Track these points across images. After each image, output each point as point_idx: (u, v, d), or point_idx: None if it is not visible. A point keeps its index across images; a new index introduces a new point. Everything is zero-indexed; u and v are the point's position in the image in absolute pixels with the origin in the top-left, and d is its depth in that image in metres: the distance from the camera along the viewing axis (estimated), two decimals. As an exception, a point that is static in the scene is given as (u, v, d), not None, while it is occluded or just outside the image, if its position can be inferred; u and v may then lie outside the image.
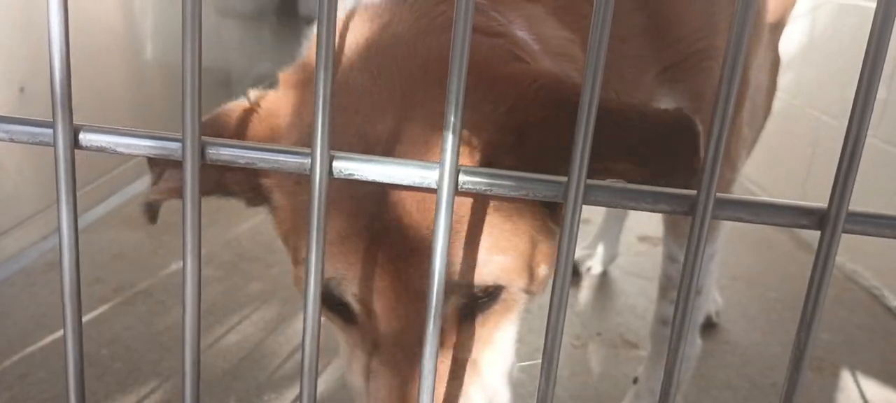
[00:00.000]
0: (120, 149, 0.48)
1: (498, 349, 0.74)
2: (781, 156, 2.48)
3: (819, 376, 1.58)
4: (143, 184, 2.39)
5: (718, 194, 0.46)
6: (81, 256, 1.79)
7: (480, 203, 0.66)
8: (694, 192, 0.47)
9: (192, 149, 0.47)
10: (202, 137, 0.47)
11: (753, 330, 1.76)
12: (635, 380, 1.36)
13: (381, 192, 0.65)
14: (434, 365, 0.51)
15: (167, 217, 2.44)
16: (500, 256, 0.68)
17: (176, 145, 0.48)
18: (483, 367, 0.73)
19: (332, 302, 0.72)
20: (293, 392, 1.41)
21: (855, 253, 2.12)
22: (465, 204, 0.65)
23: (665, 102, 0.97)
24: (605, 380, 1.51)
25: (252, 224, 2.20)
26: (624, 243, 2.06)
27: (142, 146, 0.48)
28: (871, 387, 1.55)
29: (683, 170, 0.58)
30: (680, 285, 0.48)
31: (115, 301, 1.73)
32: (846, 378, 1.58)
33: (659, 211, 0.47)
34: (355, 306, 0.70)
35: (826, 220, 0.46)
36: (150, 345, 1.55)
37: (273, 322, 1.67)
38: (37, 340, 1.53)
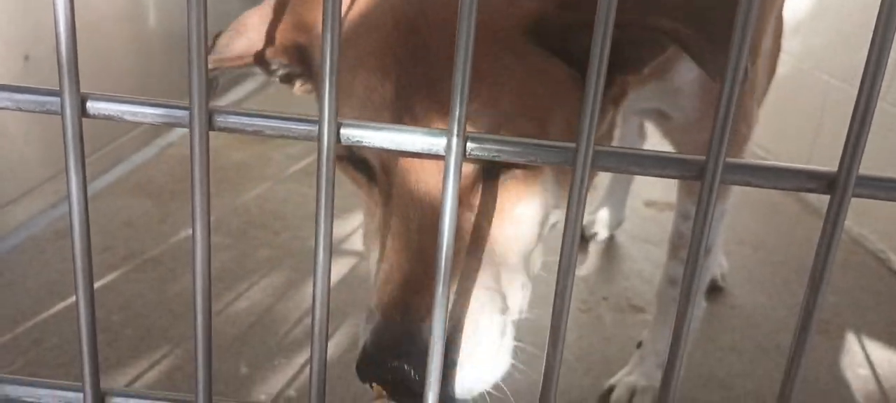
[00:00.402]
0: (127, 117, 0.48)
1: (519, 225, 0.72)
2: (789, 119, 2.47)
3: (825, 338, 1.59)
4: (150, 151, 2.39)
5: (728, 159, 0.46)
6: (91, 224, 1.80)
7: (508, 58, 0.65)
8: (703, 157, 0.47)
9: (199, 118, 0.47)
10: (210, 104, 0.47)
11: (759, 294, 1.77)
12: (639, 345, 1.37)
13: (406, 46, 0.66)
14: (446, 311, 0.51)
15: (174, 185, 2.45)
16: (526, 113, 0.67)
17: (183, 113, 0.48)
18: (501, 243, 0.71)
19: (354, 160, 0.72)
20: (303, 356, 1.43)
21: (861, 217, 2.11)
22: (491, 56, 0.65)
23: None
24: (612, 344, 1.52)
25: (260, 191, 2.20)
26: (630, 208, 2.06)
27: (149, 114, 0.48)
28: (876, 349, 1.55)
29: (720, 41, 0.56)
30: (689, 249, 0.48)
31: (124, 268, 1.74)
32: (851, 340, 1.58)
33: (667, 177, 0.47)
34: (376, 163, 0.70)
35: (835, 185, 0.46)
36: (160, 312, 1.56)
37: (282, 287, 1.69)
38: (49, 307, 1.55)
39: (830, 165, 0.46)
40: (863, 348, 1.56)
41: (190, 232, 1.60)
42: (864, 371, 1.47)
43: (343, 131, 0.48)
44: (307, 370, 1.42)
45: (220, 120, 0.48)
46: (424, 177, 0.67)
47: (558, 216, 0.79)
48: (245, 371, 1.39)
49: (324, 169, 0.47)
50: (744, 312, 1.67)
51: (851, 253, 2.03)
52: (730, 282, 1.79)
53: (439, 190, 0.66)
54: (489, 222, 0.70)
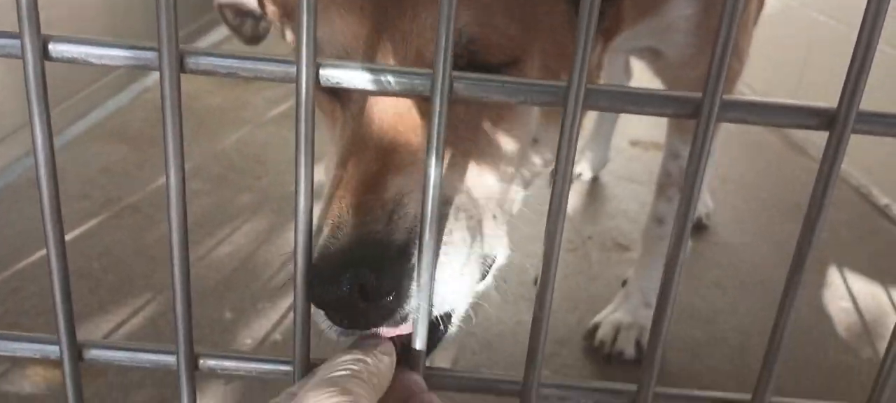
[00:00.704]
0: (92, 60, 0.45)
1: (506, 144, 0.68)
2: (775, 56, 2.44)
3: (807, 273, 1.61)
4: (126, 96, 2.33)
5: (724, 96, 0.44)
6: (67, 171, 1.77)
7: None
8: (699, 95, 0.45)
9: (169, 59, 0.44)
10: (180, 46, 0.45)
11: (743, 232, 1.78)
12: (624, 283, 1.38)
13: None
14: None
15: (151, 130, 2.41)
16: (517, 25, 0.65)
17: (152, 55, 0.45)
18: (485, 161, 0.67)
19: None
20: (287, 301, 1.42)
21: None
22: None
23: None
24: (597, 282, 1.53)
25: (239, 136, 2.17)
26: (615, 148, 2.05)
27: (116, 56, 0.45)
28: (858, 283, 1.57)
29: None
30: (684, 188, 0.46)
31: (103, 215, 1.71)
32: (834, 274, 1.60)
33: (662, 115, 0.46)
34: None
35: (835, 121, 0.44)
36: (140, 258, 1.54)
37: (264, 232, 1.67)
38: (27, 256, 1.52)
39: (816, 102, 0.45)
40: (845, 282, 1.58)
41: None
42: (846, 303, 1.49)
43: (322, 72, 0.45)
44: (291, 313, 1.42)
45: (191, 61, 0.45)
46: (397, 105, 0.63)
47: (540, 157, 0.77)
48: (229, 316, 1.38)
49: (303, 112, 0.45)
50: (728, 249, 1.68)
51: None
52: (714, 220, 1.79)
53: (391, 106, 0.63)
54: (475, 137, 0.66)
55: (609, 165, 2.02)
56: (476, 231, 0.65)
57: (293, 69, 0.45)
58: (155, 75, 2.62)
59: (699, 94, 0.45)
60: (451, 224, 0.63)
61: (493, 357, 1.29)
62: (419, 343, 0.52)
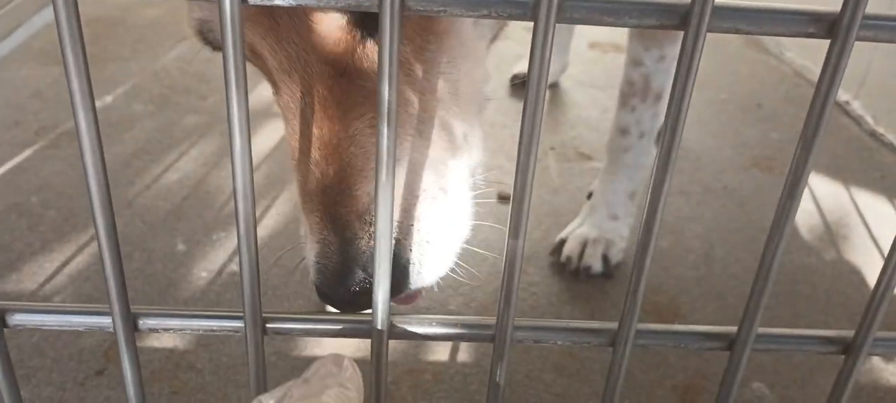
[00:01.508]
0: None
1: (447, 74, 0.63)
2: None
3: (769, 175, 1.60)
4: (51, 13, 2.17)
5: (716, 2, 0.39)
6: (-9, 99, 1.57)
7: None
8: (686, 1, 0.39)
9: (61, -23, 0.36)
10: (73, -40, 0.37)
11: (705, 135, 1.75)
12: (589, 195, 1.35)
13: None
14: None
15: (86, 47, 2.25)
16: None
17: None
18: (432, 101, 0.63)
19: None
20: (242, 229, 1.36)
21: (804, 49, 2.09)
22: None
23: None
24: (561, 194, 1.50)
25: (179, 52, 2.04)
26: (573, 50, 1.98)
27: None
28: (820, 183, 1.57)
29: None
30: (668, 109, 0.41)
31: (38, 144, 1.60)
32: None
33: (646, 26, 0.40)
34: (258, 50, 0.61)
35: (837, 27, 0.39)
36: (83, 190, 1.44)
37: (214, 156, 1.59)
38: (-44, 193, 1.42)
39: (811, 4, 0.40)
40: (807, 182, 1.57)
41: (108, 99, 1.44)
42: (808, 204, 1.49)
43: (250, -13, 0.38)
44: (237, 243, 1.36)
45: (89, -21, 0.37)
46: (305, 35, 0.56)
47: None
48: (182, 247, 1.32)
49: (228, 38, 0.38)
50: (691, 155, 1.66)
51: (794, 85, 2.02)
52: (676, 124, 1.76)
53: (329, 50, 0.56)
54: (410, 79, 0.61)
55: (568, 70, 1.96)
56: (454, 185, 0.64)
57: (214, -15, 0.38)
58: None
59: (686, 1, 0.39)
60: (426, 186, 0.61)
61: (458, 278, 1.26)
62: (382, 297, 0.47)
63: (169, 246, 1.32)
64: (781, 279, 1.28)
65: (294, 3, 0.39)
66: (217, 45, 0.71)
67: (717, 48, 2.21)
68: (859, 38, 0.40)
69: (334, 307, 0.61)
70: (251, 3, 0.39)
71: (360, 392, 0.44)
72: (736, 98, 1.94)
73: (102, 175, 0.42)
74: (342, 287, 0.58)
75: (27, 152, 1.57)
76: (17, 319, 0.50)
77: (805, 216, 1.45)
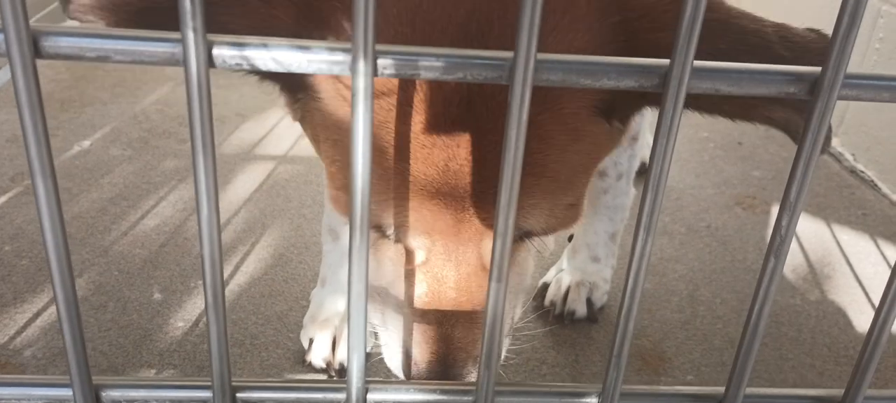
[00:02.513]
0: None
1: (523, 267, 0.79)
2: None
3: (751, 214, 1.60)
4: (31, 56, 2.15)
5: (695, 62, 0.38)
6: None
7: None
8: (665, 62, 0.38)
9: (18, 43, 0.35)
10: (32, 26, 0.36)
11: (686, 173, 1.76)
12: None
13: (448, 145, 0.61)
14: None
15: (62, 93, 2.24)
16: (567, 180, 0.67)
17: (-4, 38, 0.36)
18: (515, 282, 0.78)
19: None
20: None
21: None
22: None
23: None
24: (544, 236, 1.49)
25: (159, 95, 2.02)
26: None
27: (-52, 41, 0.36)
28: (802, 222, 1.57)
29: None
30: (649, 173, 0.40)
31: (13, 191, 1.57)
32: (777, 213, 1.60)
33: (624, 88, 0.39)
34: (416, 239, 0.68)
35: (819, 87, 0.39)
36: (57, 238, 1.42)
37: (193, 201, 1.56)
38: (-74, 242, 1.39)
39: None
40: (791, 242, 1.57)
41: (86, 144, 1.41)
42: (792, 244, 1.48)
43: (216, 51, 0.37)
44: (226, 292, 1.33)
45: (48, 44, 0.36)
46: (460, 246, 0.67)
47: None
48: (159, 296, 1.29)
49: (195, 101, 0.37)
50: (672, 194, 1.66)
51: (774, 124, 2.04)
52: (658, 163, 1.76)
53: (474, 258, 0.67)
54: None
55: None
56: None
57: (179, 49, 0.36)
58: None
59: (665, 62, 0.39)
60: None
61: (440, 323, 1.24)
62: (357, 363, 0.45)
63: (145, 296, 1.29)
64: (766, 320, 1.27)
65: (268, 67, 0.38)
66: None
67: (697, 86, 2.22)
68: (841, 97, 0.39)
69: None
70: (218, 67, 0.38)
71: None
72: (716, 136, 1.95)
73: (62, 242, 0.41)
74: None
75: (1, 199, 1.54)
76: (-28, 392, 0.47)
77: (788, 256, 1.45)
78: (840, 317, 1.29)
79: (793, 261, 1.44)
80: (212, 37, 0.37)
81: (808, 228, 1.55)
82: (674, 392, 0.49)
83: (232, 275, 1.35)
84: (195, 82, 0.37)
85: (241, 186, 1.61)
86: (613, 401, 0.48)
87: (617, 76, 0.39)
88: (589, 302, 1.23)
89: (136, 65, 0.37)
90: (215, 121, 1.86)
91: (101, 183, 1.62)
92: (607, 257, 1.27)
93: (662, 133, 0.39)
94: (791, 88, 0.39)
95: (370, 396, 0.47)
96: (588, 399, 0.48)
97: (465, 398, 0.48)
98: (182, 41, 0.36)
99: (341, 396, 0.47)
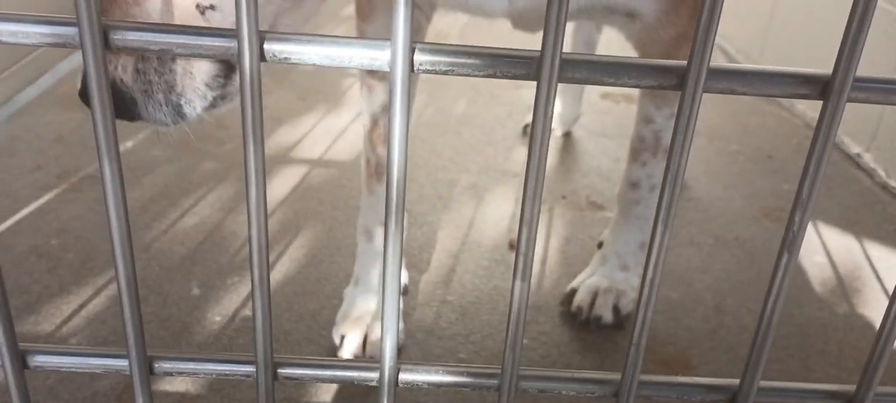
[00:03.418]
0: (4, 38, 0.40)
1: None
2: (739, 8, 2.41)
3: (780, 227, 1.60)
4: (77, 58, 2.23)
5: (711, 65, 0.40)
6: (19, 141, 1.67)
7: None
8: (683, 63, 0.41)
9: (92, 35, 0.39)
10: (104, 20, 0.39)
11: (715, 185, 1.76)
12: (600, 244, 1.36)
13: None
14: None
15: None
16: None
17: (72, 31, 0.40)
18: None
19: None
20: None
21: (815, 102, 2.10)
22: None
23: None
24: (572, 243, 1.51)
25: (200, 99, 2.08)
26: (585, 100, 2.01)
27: (30, 33, 0.40)
28: (831, 235, 1.57)
29: None
30: (667, 167, 0.43)
31: (59, 188, 1.64)
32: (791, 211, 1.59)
33: (644, 87, 0.42)
34: None
35: (829, 89, 0.41)
36: (101, 233, 1.48)
37: (230, 201, 1.61)
38: (-21, 234, 1.45)
39: (783, 58, 0.41)
40: (818, 235, 1.57)
41: (129, 144, 1.49)
42: (820, 258, 1.48)
43: (267, 46, 0.41)
44: (252, 292, 1.37)
45: (117, 37, 0.40)
46: None
47: None
48: (197, 291, 1.34)
49: (248, 92, 0.40)
50: (701, 205, 1.67)
51: (805, 137, 2.03)
52: (686, 175, 1.77)
53: None
54: None
55: (580, 120, 1.99)
56: None
57: (234, 44, 0.40)
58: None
59: (683, 63, 0.41)
60: None
61: (469, 326, 1.26)
62: (390, 344, 0.48)
63: (184, 290, 1.33)
64: (793, 333, 1.27)
65: (313, 62, 0.41)
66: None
67: (728, 100, 2.23)
68: (851, 100, 0.41)
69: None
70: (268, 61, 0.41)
71: None
72: (746, 149, 1.95)
73: (124, 222, 0.44)
74: None
75: (48, 195, 1.61)
76: (37, 360, 0.51)
77: (817, 269, 1.45)
78: (868, 331, 1.28)
79: (821, 275, 1.44)
80: (264, 32, 0.40)
81: (838, 242, 1.55)
82: (691, 382, 0.52)
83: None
84: (248, 74, 0.40)
85: (276, 189, 1.65)
86: (632, 389, 0.50)
87: (638, 76, 0.42)
88: (616, 308, 1.25)
89: (193, 57, 0.41)
90: (253, 126, 1.92)
91: (143, 182, 1.68)
92: (636, 266, 1.29)
93: (680, 129, 0.42)
94: (803, 90, 0.42)
95: (401, 376, 0.50)
96: (608, 386, 0.51)
97: (491, 380, 0.50)
98: (237, 36, 0.40)
99: (374, 375, 0.50)
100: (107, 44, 0.40)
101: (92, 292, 1.33)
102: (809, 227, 1.58)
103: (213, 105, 0.67)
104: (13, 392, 0.51)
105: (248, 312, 1.29)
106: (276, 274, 1.38)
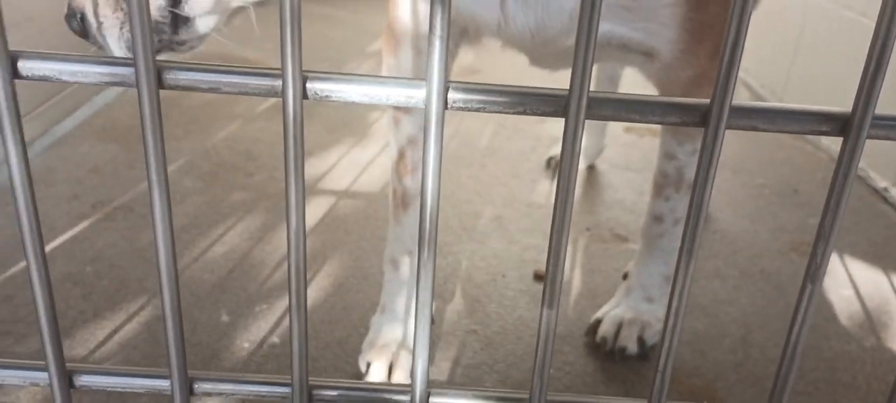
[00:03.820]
0: (64, 77, 0.43)
1: None
2: (764, 37, 2.42)
3: (805, 259, 1.59)
4: (113, 92, 2.30)
5: (733, 103, 0.42)
6: (56, 171, 1.73)
7: None
8: (706, 101, 0.43)
9: (147, 75, 0.42)
10: (158, 60, 0.42)
11: (741, 218, 1.76)
12: (625, 276, 1.36)
13: None
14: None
15: (141, 128, 2.36)
16: None
17: (128, 71, 0.43)
18: None
19: None
20: (284, 302, 1.40)
21: (843, 135, 2.10)
22: None
23: None
24: (596, 275, 1.51)
25: (228, 132, 2.14)
26: (609, 134, 2.03)
27: (89, 73, 0.43)
28: (858, 269, 1.56)
29: None
30: (691, 202, 0.44)
31: (94, 217, 1.68)
32: (834, 261, 1.59)
33: (668, 123, 0.43)
34: None
35: (849, 126, 0.42)
36: (134, 261, 1.52)
37: (258, 231, 1.65)
38: (18, 261, 1.49)
39: (807, 94, 0.43)
40: (845, 268, 1.56)
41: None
42: (848, 291, 1.48)
43: (310, 85, 0.43)
44: (289, 316, 1.40)
45: (170, 77, 0.43)
46: None
47: None
48: (226, 318, 1.36)
49: (290, 127, 0.43)
50: (726, 238, 1.67)
51: (831, 171, 2.01)
52: (711, 208, 1.78)
53: None
54: None
55: (604, 153, 2.00)
56: None
57: (279, 83, 0.43)
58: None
59: (706, 101, 0.43)
60: None
61: (494, 355, 1.27)
62: (421, 368, 0.50)
63: (213, 318, 1.36)
64: (821, 366, 1.27)
65: (353, 100, 0.43)
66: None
67: (754, 134, 2.23)
68: (870, 137, 0.43)
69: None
70: (310, 99, 0.44)
71: None
72: (772, 183, 1.95)
73: (170, 245, 0.47)
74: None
75: (83, 224, 1.65)
76: (83, 380, 0.54)
77: (844, 303, 1.44)
78: (895, 364, 1.27)
79: (849, 309, 1.43)
80: (306, 72, 0.43)
81: (866, 276, 1.54)
82: (715, 411, 0.52)
83: (294, 302, 1.41)
84: (291, 111, 0.43)
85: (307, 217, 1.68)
86: (657, 416, 0.51)
87: (662, 113, 0.43)
88: (640, 340, 1.25)
89: (240, 95, 0.44)
90: (280, 159, 1.96)
91: (174, 212, 1.71)
92: (661, 298, 1.29)
93: (703, 165, 0.43)
94: (823, 127, 0.43)
95: (432, 399, 0.51)
96: (633, 414, 0.52)
97: (518, 406, 0.52)
98: (282, 76, 0.42)
99: (406, 398, 0.51)
100: (160, 83, 0.43)
101: (125, 318, 1.36)
102: (837, 261, 1.57)
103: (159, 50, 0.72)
104: (59, 412, 0.54)
105: (275, 339, 1.31)
106: (304, 303, 1.40)
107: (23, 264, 1.48)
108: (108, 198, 1.76)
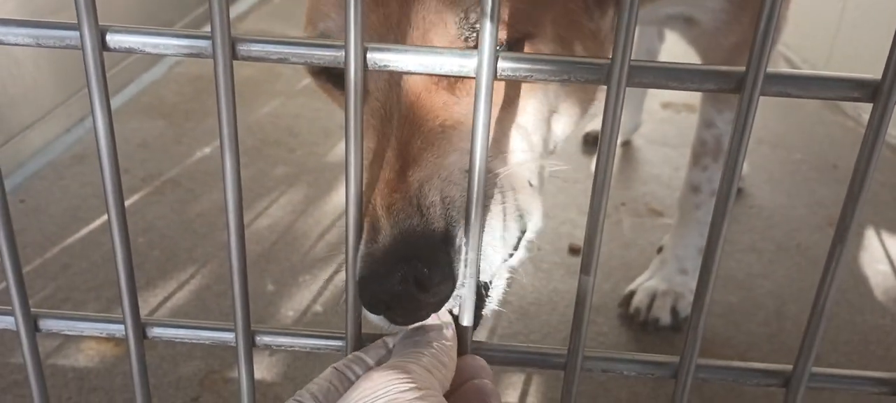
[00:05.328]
0: (148, 49, 0.47)
1: (529, 115, 0.69)
2: (806, 12, 2.39)
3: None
4: (159, 70, 2.37)
5: (767, 70, 0.45)
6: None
7: None
8: (742, 69, 0.45)
9: (223, 48, 0.46)
10: (232, 33, 0.46)
11: (778, 193, 1.76)
12: (660, 250, 1.38)
13: None
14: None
15: (186, 104, 2.44)
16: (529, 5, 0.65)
17: (206, 43, 0.46)
18: (515, 132, 0.68)
19: (332, 73, 0.71)
20: (326, 272, 1.45)
21: (884, 111, 2.07)
22: None
23: None
24: (632, 249, 1.53)
25: (271, 108, 2.19)
26: (646, 110, 2.03)
27: (170, 45, 0.47)
28: (895, 244, 1.55)
29: None
30: (725, 163, 0.47)
31: (144, 190, 1.75)
32: (870, 236, 1.59)
33: (705, 90, 0.46)
34: None
35: (879, 93, 0.45)
36: (183, 233, 1.58)
37: (301, 204, 1.70)
38: (74, 232, 1.57)
39: (851, 63, 0.45)
40: (882, 243, 1.56)
41: (206, 151, 1.60)
42: (884, 266, 1.48)
43: (370, 55, 0.47)
44: (331, 286, 1.45)
45: (243, 49, 0.47)
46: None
47: (559, 127, 0.77)
48: (271, 288, 1.42)
49: (351, 95, 0.46)
50: (763, 212, 1.67)
51: (872, 148, 2.01)
52: (749, 182, 1.78)
53: (419, 79, 0.63)
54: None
55: (641, 129, 2.01)
56: (512, 202, 0.66)
57: (342, 53, 0.46)
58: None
59: (742, 69, 0.45)
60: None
61: (529, 325, 1.31)
62: (466, 320, 0.53)
63: (259, 287, 1.42)
64: (855, 339, 1.28)
65: (409, 70, 0.47)
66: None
67: (793, 109, 2.21)
68: (900, 102, 0.45)
69: (377, 302, 0.55)
70: (371, 69, 0.47)
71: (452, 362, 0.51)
72: (811, 158, 1.94)
73: (238, 207, 0.51)
74: (393, 276, 0.54)
75: (134, 197, 1.72)
76: (155, 332, 0.59)
77: (880, 277, 1.44)
78: (933, 340, 1.28)
79: (884, 283, 1.43)
80: (367, 44, 0.46)
81: (904, 251, 1.54)
82: (746, 366, 0.55)
83: (335, 272, 1.46)
84: (353, 81, 0.46)
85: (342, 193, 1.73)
86: (690, 370, 0.54)
87: (699, 80, 0.46)
88: (673, 310, 1.27)
89: (300, 64, 0.48)
90: (320, 134, 2.01)
91: (220, 185, 1.78)
92: (695, 270, 1.31)
93: (737, 128, 0.46)
94: (854, 93, 0.45)
95: (475, 351, 0.55)
96: (667, 368, 0.55)
97: (557, 360, 0.55)
98: (344, 47, 0.46)
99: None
100: (234, 54, 0.47)
101: (176, 286, 1.42)
102: (873, 236, 1.57)
103: None
104: (133, 358, 0.59)
105: (318, 308, 1.37)
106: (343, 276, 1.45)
107: (78, 235, 1.56)
108: (158, 171, 1.82)
